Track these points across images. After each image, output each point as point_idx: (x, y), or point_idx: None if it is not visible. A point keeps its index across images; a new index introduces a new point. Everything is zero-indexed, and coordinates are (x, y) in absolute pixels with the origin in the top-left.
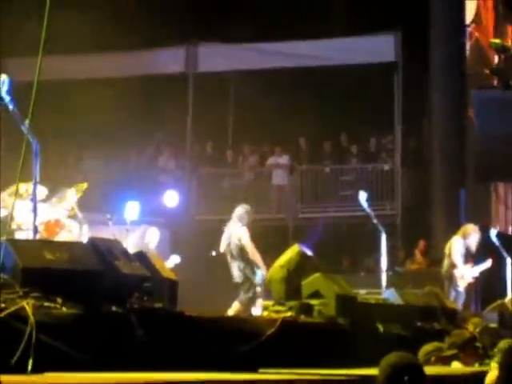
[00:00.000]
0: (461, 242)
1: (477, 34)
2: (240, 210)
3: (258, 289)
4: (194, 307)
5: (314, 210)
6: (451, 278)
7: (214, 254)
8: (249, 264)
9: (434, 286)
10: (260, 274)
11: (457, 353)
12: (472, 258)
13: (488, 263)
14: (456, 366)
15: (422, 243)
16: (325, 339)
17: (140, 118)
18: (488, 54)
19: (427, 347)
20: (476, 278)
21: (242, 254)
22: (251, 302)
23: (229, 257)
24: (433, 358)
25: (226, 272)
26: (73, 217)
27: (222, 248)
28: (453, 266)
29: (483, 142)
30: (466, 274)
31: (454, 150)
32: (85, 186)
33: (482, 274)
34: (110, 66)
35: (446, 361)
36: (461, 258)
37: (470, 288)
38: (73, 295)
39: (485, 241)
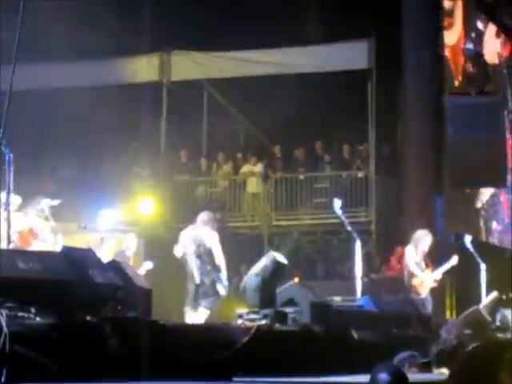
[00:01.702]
0: (412, 251)
1: (450, 40)
2: (204, 215)
3: (223, 292)
4: (168, 316)
5: (289, 217)
6: (412, 288)
7: None
8: (215, 268)
9: (409, 292)
10: (225, 279)
11: (430, 361)
12: (432, 261)
13: (453, 260)
14: (442, 372)
15: (399, 250)
16: (299, 347)
17: (114, 127)
18: (461, 60)
19: (401, 355)
20: (437, 281)
21: (210, 257)
22: (216, 305)
23: (193, 259)
24: (407, 365)
25: None
26: (47, 226)
27: (180, 252)
28: (410, 275)
29: (456, 148)
30: (425, 280)
31: (428, 156)
32: (58, 201)
33: (450, 273)
34: (83, 75)
35: (421, 368)
36: (416, 266)
37: (437, 293)
38: (46, 305)
39: (460, 247)
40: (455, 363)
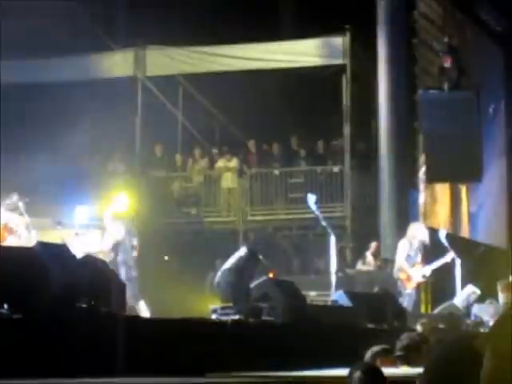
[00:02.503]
0: (405, 244)
1: (425, 34)
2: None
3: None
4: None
5: (264, 212)
6: (398, 281)
7: (166, 258)
8: (134, 263)
9: (383, 287)
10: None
11: (405, 355)
12: (424, 257)
13: (448, 257)
14: (405, 369)
15: (373, 245)
16: (273, 342)
17: (90, 122)
18: (435, 54)
19: (374, 348)
20: (426, 277)
21: (132, 253)
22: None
23: (118, 255)
24: (379, 360)
25: (176, 275)
26: (21, 221)
27: (106, 246)
28: (399, 268)
29: (432, 142)
30: (413, 275)
31: (402, 150)
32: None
33: (438, 271)
34: (59, 70)
35: (393, 363)
36: (405, 260)
37: (419, 288)
38: (21, 300)
39: (434, 242)
40: (426, 359)
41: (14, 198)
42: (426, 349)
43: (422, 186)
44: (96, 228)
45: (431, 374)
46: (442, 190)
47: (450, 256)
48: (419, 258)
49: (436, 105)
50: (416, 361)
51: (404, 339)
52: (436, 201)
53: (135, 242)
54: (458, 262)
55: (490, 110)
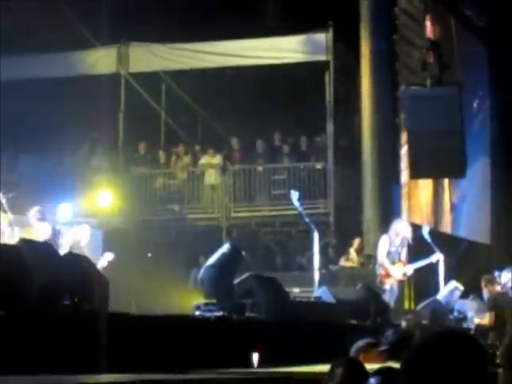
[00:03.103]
0: (385, 240)
1: (406, 30)
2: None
3: None
4: (127, 307)
5: (247, 209)
6: (378, 277)
7: (149, 255)
8: None
9: (367, 283)
10: None
11: (391, 350)
12: (408, 253)
13: (435, 257)
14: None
15: (357, 241)
16: (256, 338)
17: (73, 119)
18: (418, 50)
19: (359, 343)
20: (407, 276)
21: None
22: None
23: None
24: (362, 355)
25: (159, 272)
26: (4, 218)
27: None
28: (380, 264)
29: (414, 139)
30: (393, 272)
31: (385, 146)
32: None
33: (420, 270)
34: (41, 67)
35: (377, 358)
36: (387, 257)
37: (402, 284)
38: (3, 298)
39: (417, 238)
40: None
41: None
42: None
43: (404, 182)
44: (78, 224)
45: (409, 369)
46: (425, 184)
47: (435, 257)
48: (402, 256)
49: (418, 101)
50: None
51: (391, 334)
52: (418, 195)
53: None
54: (441, 258)
55: (475, 105)
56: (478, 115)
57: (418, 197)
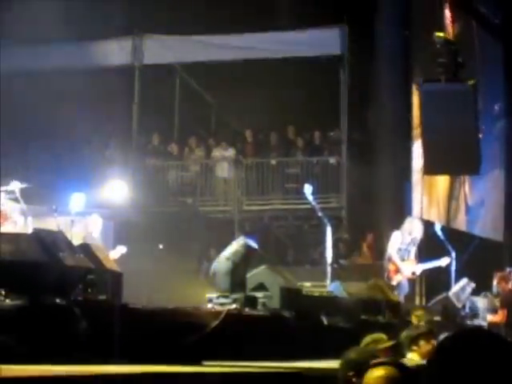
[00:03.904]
0: (398, 237)
1: (421, 26)
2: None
3: None
4: (139, 299)
5: (260, 202)
6: (386, 273)
7: (161, 246)
8: None
9: (379, 279)
10: None
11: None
12: (420, 254)
13: (444, 261)
14: (412, 358)
15: (369, 236)
16: (269, 332)
17: (87, 110)
18: (432, 45)
19: (366, 339)
20: (415, 275)
21: None
22: None
23: None
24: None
25: (171, 264)
26: (17, 208)
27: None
28: (388, 259)
29: (428, 134)
30: (402, 269)
31: (399, 142)
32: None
33: (430, 270)
34: (56, 57)
35: (386, 353)
36: (397, 253)
37: (413, 281)
38: (16, 287)
39: (430, 235)
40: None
41: (11, 184)
42: (433, 341)
43: (418, 177)
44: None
45: (435, 366)
46: (440, 180)
47: (445, 261)
48: (412, 254)
49: (433, 96)
50: (423, 352)
51: (411, 329)
52: (433, 191)
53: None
54: (453, 254)
55: (496, 108)
56: (494, 113)
57: (432, 193)
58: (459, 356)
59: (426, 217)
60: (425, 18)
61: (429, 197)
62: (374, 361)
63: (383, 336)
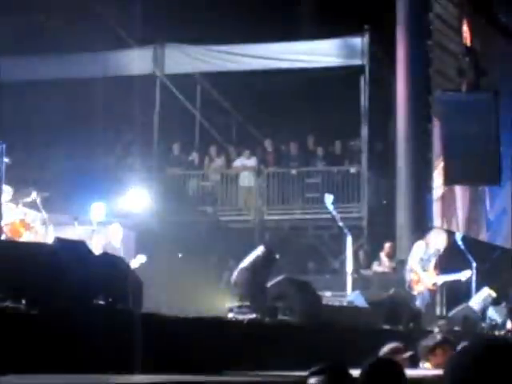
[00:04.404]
0: (422, 247)
1: (441, 36)
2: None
3: None
4: (159, 308)
5: (280, 212)
6: (407, 283)
7: (180, 255)
8: None
9: (399, 288)
10: None
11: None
12: (440, 264)
13: (465, 274)
14: (427, 367)
15: (387, 246)
16: (289, 341)
17: (108, 119)
18: (452, 55)
19: (384, 349)
20: (436, 286)
21: None
22: None
23: None
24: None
25: (191, 273)
26: (38, 217)
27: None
28: (411, 269)
29: (449, 145)
30: (423, 280)
31: (419, 152)
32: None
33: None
34: (77, 67)
35: (404, 364)
36: (419, 263)
37: (434, 291)
38: (38, 296)
39: (450, 245)
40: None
41: (33, 193)
42: (450, 350)
43: (438, 187)
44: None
45: (451, 375)
46: (462, 191)
47: (465, 275)
48: (432, 264)
49: (454, 106)
50: (439, 362)
51: (429, 339)
52: (453, 201)
53: None
54: (474, 264)
55: None
56: None
57: (453, 203)
58: (478, 365)
59: (446, 227)
60: (445, 28)
61: (449, 206)
62: None
63: (401, 346)
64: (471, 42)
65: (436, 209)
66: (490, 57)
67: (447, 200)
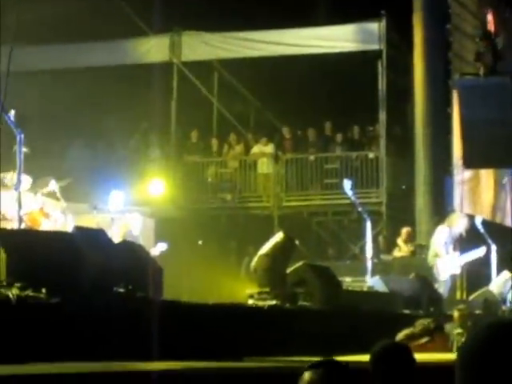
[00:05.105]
0: (445, 231)
1: (459, 20)
2: None
3: None
4: (179, 295)
5: (299, 198)
6: (433, 268)
7: (200, 243)
8: None
9: (419, 273)
10: None
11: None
12: (459, 246)
13: (481, 251)
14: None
15: (404, 232)
16: (310, 327)
17: (125, 107)
18: (471, 39)
19: (400, 335)
20: (461, 267)
21: None
22: None
23: None
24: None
25: (211, 260)
26: (57, 206)
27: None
28: (435, 255)
29: (468, 128)
30: (448, 264)
31: (438, 136)
32: (68, 180)
33: (471, 262)
34: (95, 55)
35: (418, 350)
36: (443, 247)
37: (454, 274)
38: (58, 285)
39: (471, 229)
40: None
41: (51, 182)
42: (438, 337)
43: (458, 171)
44: (130, 213)
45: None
46: (487, 178)
47: (482, 251)
48: (451, 248)
49: (472, 90)
50: (428, 347)
51: (417, 327)
52: (480, 188)
53: None
54: (494, 248)
55: None
56: None
57: (476, 187)
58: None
59: (467, 211)
60: (464, 12)
61: (472, 193)
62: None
63: (416, 332)
64: (488, 25)
65: (457, 193)
66: (507, 40)
67: (469, 184)
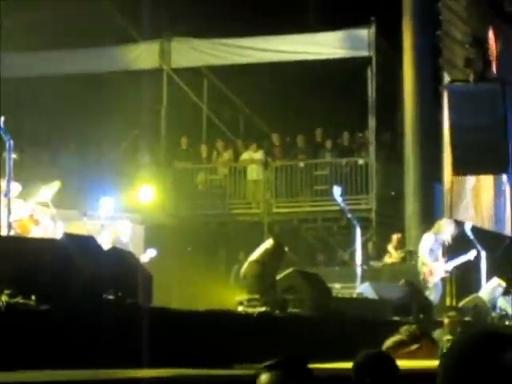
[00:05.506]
0: (431, 238)
1: (449, 26)
2: None
3: None
4: (169, 302)
5: (289, 204)
6: (421, 274)
7: (189, 249)
8: None
9: (409, 279)
10: None
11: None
12: (447, 252)
13: (471, 255)
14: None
15: (394, 238)
16: (299, 333)
17: (115, 114)
18: (460, 45)
19: (387, 343)
20: (449, 272)
21: None
22: None
23: None
24: (392, 352)
25: (201, 267)
26: (47, 213)
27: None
28: (422, 263)
29: (457, 135)
30: (435, 270)
31: (427, 142)
32: (58, 184)
33: (460, 267)
34: (84, 62)
35: (407, 357)
36: (429, 255)
37: (444, 281)
38: (47, 292)
39: (460, 235)
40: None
41: (41, 189)
42: (426, 343)
43: (447, 178)
44: (120, 219)
45: (447, 366)
46: (486, 187)
47: (472, 254)
48: (440, 254)
49: (462, 96)
50: (417, 354)
51: (402, 333)
52: (479, 195)
53: None
54: (484, 254)
55: None
56: None
57: (478, 195)
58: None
59: (455, 217)
60: (454, 18)
61: (476, 198)
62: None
63: (405, 339)
64: (478, 31)
65: (444, 199)
66: (497, 47)
67: (473, 192)
